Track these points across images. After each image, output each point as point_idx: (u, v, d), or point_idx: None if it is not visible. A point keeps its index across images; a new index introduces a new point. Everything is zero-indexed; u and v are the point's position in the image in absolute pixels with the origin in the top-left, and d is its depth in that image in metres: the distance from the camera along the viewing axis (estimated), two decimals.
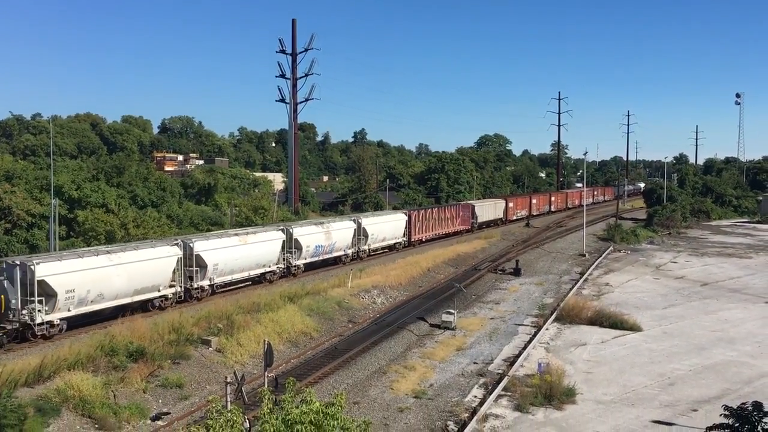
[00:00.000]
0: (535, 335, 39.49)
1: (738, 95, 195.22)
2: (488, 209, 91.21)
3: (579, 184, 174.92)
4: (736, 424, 15.64)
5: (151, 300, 38.67)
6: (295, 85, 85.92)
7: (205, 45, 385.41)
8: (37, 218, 54.73)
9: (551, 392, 29.18)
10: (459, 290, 48.20)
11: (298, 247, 51.57)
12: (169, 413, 27.06)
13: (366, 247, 61.60)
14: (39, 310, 31.70)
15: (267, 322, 36.54)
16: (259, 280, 47.90)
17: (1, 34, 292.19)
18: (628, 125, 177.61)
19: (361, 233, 60.34)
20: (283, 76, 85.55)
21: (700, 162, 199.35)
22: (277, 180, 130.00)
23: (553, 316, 43.70)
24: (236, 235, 46.41)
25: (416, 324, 41.78)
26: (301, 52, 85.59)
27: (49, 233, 47.77)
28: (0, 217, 53.63)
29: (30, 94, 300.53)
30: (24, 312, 31.39)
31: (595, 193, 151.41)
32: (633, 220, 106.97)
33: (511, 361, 34.67)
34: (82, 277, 33.66)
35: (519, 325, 43.03)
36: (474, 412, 27.67)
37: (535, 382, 30.20)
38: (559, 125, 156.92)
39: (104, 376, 27.55)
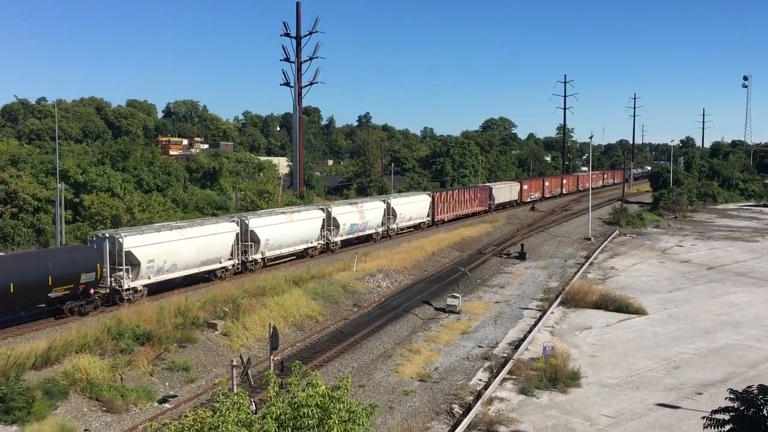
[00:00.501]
0: (540, 319, 39.56)
1: (745, 78, 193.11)
2: (504, 191, 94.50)
3: (584, 168, 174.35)
4: (742, 408, 15.60)
5: (214, 271, 42.64)
6: (299, 69, 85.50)
7: (210, 28, 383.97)
8: (43, 202, 54.84)
9: (556, 375, 29.29)
10: (464, 274, 48.25)
11: (336, 225, 55.29)
12: (176, 396, 27.27)
13: (395, 226, 65.06)
14: (125, 278, 35.69)
15: (272, 305, 36.68)
16: (302, 255, 51.65)
17: (6, 18, 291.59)
18: (634, 108, 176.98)
19: (390, 213, 64.04)
20: (287, 59, 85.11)
21: (707, 145, 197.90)
22: (282, 164, 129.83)
23: (558, 300, 43.72)
24: (283, 213, 50.55)
25: (421, 308, 41.87)
26: (305, 36, 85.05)
27: (55, 217, 47.87)
28: (6, 201, 53.74)
29: (35, 79, 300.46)
30: (111, 279, 35.20)
31: (605, 176, 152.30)
32: (639, 203, 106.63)
33: (516, 345, 34.76)
34: (160, 249, 37.85)
35: (524, 308, 43.08)
36: (479, 395, 27.79)
37: (540, 365, 30.28)
38: (564, 108, 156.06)
39: (111, 360, 27.75)
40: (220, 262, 42.92)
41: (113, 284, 35.36)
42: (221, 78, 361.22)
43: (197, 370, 29.60)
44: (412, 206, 68.77)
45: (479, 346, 35.20)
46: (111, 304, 35.30)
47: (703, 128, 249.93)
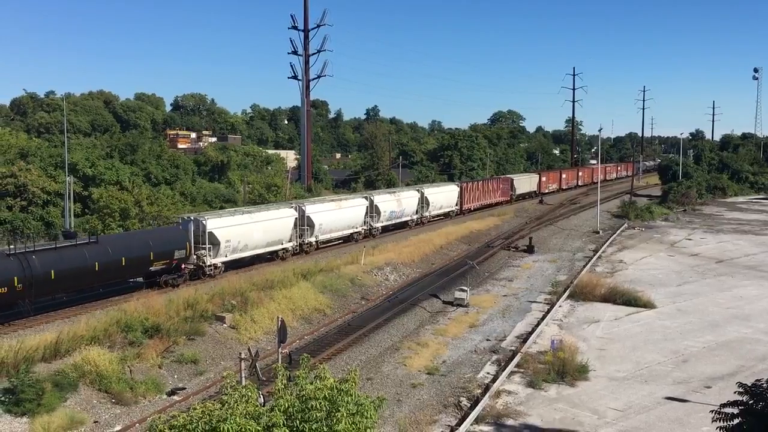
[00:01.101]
0: (548, 312, 39.49)
1: (756, 70, 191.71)
2: (525, 183, 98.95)
3: (593, 161, 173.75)
4: (750, 401, 15.56)
5: (276, 251, 47.90)
6: (307, 62, 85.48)
7: (218, 22, 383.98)
8: (52, 196, 55.14)
9: (564, 369, 29.24)
10: (472, 267, 48.20)
11: (378, 212, 60.58)
12: (185, 388, 27.39)
13: (427, 214, 69.72)
14: (207, 255, 40.88)
15: (280, 298, 36.76)
16: (348, 239, 56.59)
17: (15, 12, 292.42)
18: (643, 101, 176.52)
19: (423, 201, 68.68)
20: (295, 52, 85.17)
21: (717, 138, 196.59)
22: (290, 157, 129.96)
23: (567, 293, 43.64)
24: (333, 201, 56.47)
25: (429, 301, 41.87)
26: (313, 29, 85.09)
27: (64, 210, 48.13)
28: (16, 194, 54.05)
29: (44, 72, 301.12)
30: (194, 256, 40.27)
31: (619, 168, 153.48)
32: (648, 197, 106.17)
33: (524, 338, 34.72)
34: (235, 231, 43.09)
35: (532, 302, 43.02)
36: (487, 388, 27.79)
37: (548, 358, 30.25)
38: (573, 101, 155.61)
39: (120, 352, 27.88)
40: (282, 244, 48.22)
41: (196, 261, 40.52)
42: (229, 71, 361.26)
43: (206, 362, 29.72)
44: (443, 196, 73.23)
45: (487, 339, 35.19)
46: (195, 278, 40.37)
47: (713, 121, 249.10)
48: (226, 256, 42.68)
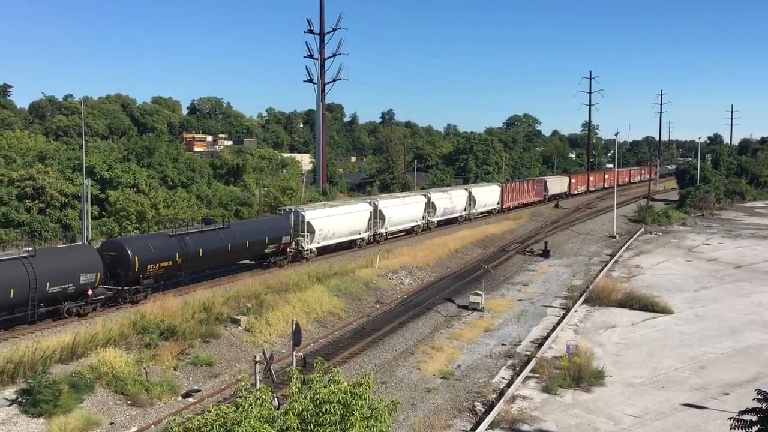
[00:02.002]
0: (563, 317, 39.23)
1: None
2: (556, 184, 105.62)
3: (609, 165, 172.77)
4: None
5: (354, 240, 55.65)
6: (322, 66, 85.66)
7: (234, 26, 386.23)
8: (70, 198, 55.54)
9: (580, 374, 29.03)
10: (487, 271, 48.01)
11: (434, 208, 67.97)
12: (200, 390, 27.47)
13: (474, 211, 77.18)
14: (305, 241, 48.88)
15: (295, 302, 36.80)
16: (409, 231, 64.35)
17: (34, 16, 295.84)
18: (661, 105, 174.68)
19: (471, 200, 76.09)
20: (311, 56, 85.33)
21: (735, 142, 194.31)
22: (305, 160, 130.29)
23: (582, 298, 43.35)
24: (398, 197, 64.57)
25: (444, 305, 41.76)
26: (328, 32, 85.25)
27: (82, 213, 48.47)
28: (34, 197, 54.53)
29: (62, 76, 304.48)
30: (293, 242, 47.77)
31: (642, 171, 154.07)
32: (665, 201, 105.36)
33: (540, 343, 34.52)
34: (326, 221, 51.33)
35: (547, 306, 42.78)
36: (502, 393, 27.64)
37: (564, 364, 30.04)
38: (590, 105, 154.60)
39: (136, 354, 28.02)
40: (359, 234, 56.20)
41: (296, 246, 48.11)
42: (245, 75, 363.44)
43: (221, 365, 29.81)
44: (487, 195, 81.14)
45: (502, 344, 35.02)
46: (294, 261, 47.76)
47: (732, 125, 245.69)
48: (318, 243, 50.63)
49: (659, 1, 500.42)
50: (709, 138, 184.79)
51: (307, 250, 49.05)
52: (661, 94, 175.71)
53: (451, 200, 71.40)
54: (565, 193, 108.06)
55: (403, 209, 62.56)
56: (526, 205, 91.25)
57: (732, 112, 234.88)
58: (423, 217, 66.27)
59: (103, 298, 33.81)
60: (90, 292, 32.74)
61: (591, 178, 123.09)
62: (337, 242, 53.34)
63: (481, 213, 79.45)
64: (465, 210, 75.06)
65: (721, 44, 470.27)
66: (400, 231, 63.06)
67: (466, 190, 77.00)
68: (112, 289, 34.41)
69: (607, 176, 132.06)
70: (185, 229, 40.00)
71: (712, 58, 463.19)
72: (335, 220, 52.37)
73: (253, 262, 45.88)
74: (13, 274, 29.20)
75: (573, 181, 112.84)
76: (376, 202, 58.56)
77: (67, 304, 32.00)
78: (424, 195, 67.83)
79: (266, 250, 44.92)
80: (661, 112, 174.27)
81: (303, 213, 49.05)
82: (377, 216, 58.13)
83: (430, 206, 67.21)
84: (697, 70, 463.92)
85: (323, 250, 51.69)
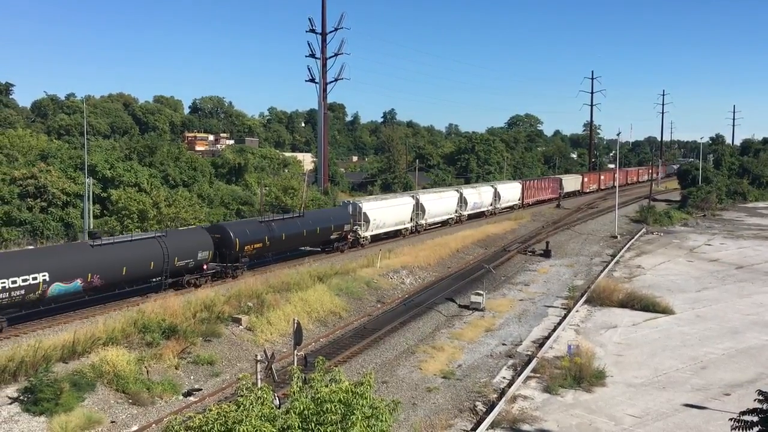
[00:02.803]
0: (564, 317, 39.23)
1: None
2: (570, 182, 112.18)
3: (611, 165, 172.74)
4: None
5: (399, 230, 62.60)
6: (324, 65, 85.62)
7: (236, 25, 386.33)
8: (72, 197, 55.59)
9: (581, 374, 29.02)
10: (488, 271, 48.00)
11: (465, 203, 75.14)
12: (201, 389, 27.49)
13: (499, 206, 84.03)
14: (361, 230, 56.02)
15: (296, 301, 36.82)
16: (444, 224, 71.00)
17: (36, 15, 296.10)
18: (663, 105, 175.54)
19: (496, 195, 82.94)
20: (313, 55, 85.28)
21: (737, 142, 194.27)
22: (307, 160, 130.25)
23: (584, 298, 43.34)
24: (436, 192, 72.00)
25: (445, 305, 41.76)
26: (330, 32, 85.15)
27: (84, 212, 48.54)
28: (36, 195, 54.59)
29: (64, 75, 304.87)
30: (353, 230, 54.67)
31: (650, 171, 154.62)
32: (667, 201, 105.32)
33: (541, 343, 34.52)
34: (379, 212, 58.52)
35: (548, 306, 42.77)
36: (503, 393, 27.64)
37: (565, 364, 30.03)
38: (591, 105, 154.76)
39: (138, 353, 28.04)
40: (404, 224, 63.09)
41: (353, 234, 54.79)
42: (247, 74, 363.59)
43: (222, 364, 29.83)
44: (510, 191, 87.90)
45: (503, 344, 35.02)
46: (352, 247, 54.76)
47: (734, 125, 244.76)
48: (372, 231, 57.49)
49: (661, 2, 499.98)
50: (711, 138, 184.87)
51: (363, 237, 56.20)
52: (663, 95, 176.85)
53: (479, 196, 78.69)
54: (579, 190, 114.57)
55: (440, 203, 69.24)
56: (543, 201, 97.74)
57: (734, 112, 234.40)
58: (455, 211, 72.92)
59: (213, 273, 40.10)
60: (205, 266, 39.51)
61: (602, 177, 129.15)
62: (386, 231, 60.34)
63: (505, 208, 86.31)
64: (491, 205, 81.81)
65: (723, 45, 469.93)
66: (437, 223, 69.42)
67: (492, 186, 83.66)
68: (219, 266, 40.65)
69: (617, 175, 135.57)
70: (270, 216, 48.11)
71: (714, 59, 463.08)
72: (386, 211, 59.57)
73: (318, 249, 52.79)
74: (153, 249, 35.54)
75: (586, 179, 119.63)
76: (417, 196, 65.41)
77: (187, 276, 38.52)
78: (457, 191, 75.12)
79: (332, 236, 52.16)
80: (663, 113, 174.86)
81: (360, 205, 56.38)
82: (419, 209, 64.77)
83: (462, 201, 74.13)
84: (699, 71, 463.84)
85: (375, 238, 58.29)
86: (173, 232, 39.86)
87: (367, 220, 56.25)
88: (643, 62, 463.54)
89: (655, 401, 27.31)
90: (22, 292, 28.94)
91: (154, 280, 36.47)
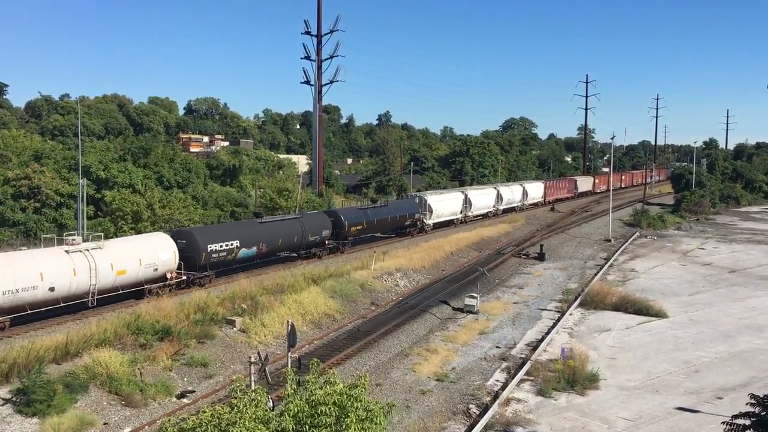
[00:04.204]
0: (558, 320, 39.30)
1: None
2: (584, 183, 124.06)
3: (605, 169, 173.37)
4: (762, 413, 15.40)
5: (452, 220, 73.83)
6: (319, 67, 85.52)
7: (231, 27, 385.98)
8: (66, 198, 55.40)
9: (574, 377, 29.08)
10: (482, 274, 48.06)
11: (501, 199, 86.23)
12: (195, 391, 27.45)
13: (526, 202, 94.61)
14: (426, 218, 67.07)
15: (290, 303, 36.78)
16: (485, 216, 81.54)
17: (30, 16, 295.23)
18: (657, 109, 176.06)
19: (525, 193, 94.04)
20: (308, 57, 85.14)
21: (731, 147, 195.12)
22: (302, 162, 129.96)
23: (577, 302, 43.43)
24: (479, 189, 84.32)
25: (439, 307, 41.78)
26: (326, 34, 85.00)
27: (77, 213, 48.37)
28: (29, 196, 54.37)
29: (58, 75, 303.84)
30: (419, 219, 65.74)
31: (651, 173, 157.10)
32: (660, 205, 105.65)
33: (534, 346, 34.57)
34: (439, 204, 70.03)
35: (542, 309, 42.85)
36: (496, 395, 27.69)
37: (558, 367, 30.08)
38: (586, 109, 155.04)
39: (131, 354, 27.97)
40: (456, 215, 74.27)
41: (419, 222, 65.58)
42: (242, 76, 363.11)
43: (215, 366, 29.78)
44: (535, 189, 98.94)
45: (497, 347, 35.06)
46: (420, 232, 65.92)
47: (727, 130, 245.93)
48: (434, 219, 68.52)
49: (656, 6, 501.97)
50: (704, 142, 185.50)
51: (427, 225, 66.96)
52: (657, 99, 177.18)
53: (512, 193, 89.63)
54: (590, 190, 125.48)
55: (482, 198, 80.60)
56: (561, 199, 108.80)
57: (727, 116, 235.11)
58: (493, 205, 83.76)
59: (330, 248, 51.95)
60: (327, 242, 51.42)
61: (610, 179, 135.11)
62: (443, 220, 70.83)
63: (530, 204, 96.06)
64: (520, 201, 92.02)
65: (716, 49, 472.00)
66: (478, 215, 79.87)
67: (521, 185, 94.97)
68: (335, 241, 52.52)
69: (623, 177, 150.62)
70: (367, 205, 60.82)
71: (707, 63, 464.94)
72: (444, 203, 70.75)
73: (385, 235, 62.86)
74: (296, 227, 48.09)
75: (596, 180, 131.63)
76: (466, 192, 77.64)
77: (314, 249, 50.44)
78: (494, 188, 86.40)
79: (406, 223, 63.74)
80: (657, 117, 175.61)
81: (425, 198, 67.94)
82: (467, 202, 76.06)
83: (498, 197, 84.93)
84: (693, 75, 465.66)
85: (435, 226, 68.89)
86: (306, 215, 52.03)
87: (430, 210, 67.08)
88: (638, 66, 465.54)
89: (648, 404, 27.38)
90: (225, 253, 40.95)
91: (294, 254, 49.17)
